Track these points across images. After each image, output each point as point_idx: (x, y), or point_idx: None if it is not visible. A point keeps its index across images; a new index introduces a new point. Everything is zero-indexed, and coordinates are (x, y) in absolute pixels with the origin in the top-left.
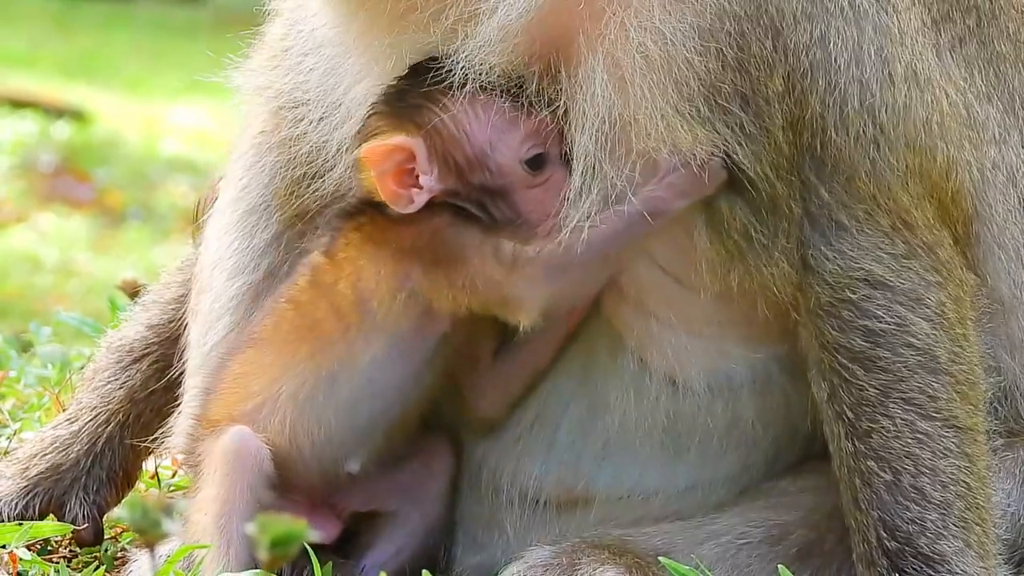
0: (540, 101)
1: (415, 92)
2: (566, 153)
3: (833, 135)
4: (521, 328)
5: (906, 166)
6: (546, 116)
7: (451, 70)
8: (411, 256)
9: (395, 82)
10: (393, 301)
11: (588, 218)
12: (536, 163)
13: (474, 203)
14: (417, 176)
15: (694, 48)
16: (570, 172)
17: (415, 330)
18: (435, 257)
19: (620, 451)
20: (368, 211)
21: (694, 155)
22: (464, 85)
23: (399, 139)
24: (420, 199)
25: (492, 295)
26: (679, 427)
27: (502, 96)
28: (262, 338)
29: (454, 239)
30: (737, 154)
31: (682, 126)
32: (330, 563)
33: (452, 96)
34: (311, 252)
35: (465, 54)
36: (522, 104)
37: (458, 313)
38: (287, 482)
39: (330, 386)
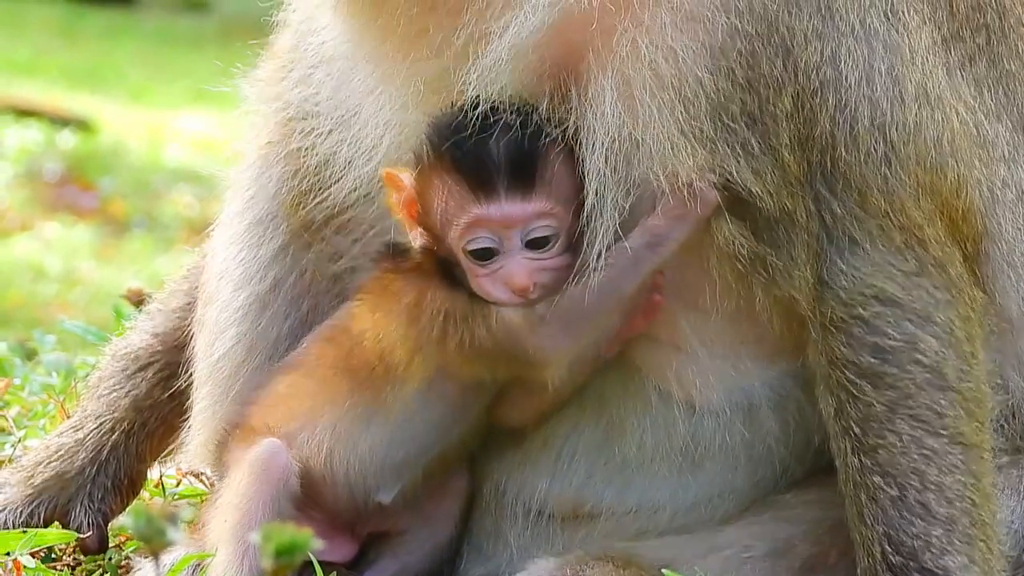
0: (551, 121)
1: (436, 132)
2: (548, 239)
3: (843, 153)
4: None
5: (917, 183)
6: (515, 207)
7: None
8: (419, 323)
9: (445, 114)
10: (412, 361)
11: (602, 237)
12: (480, 254)
13: (452, 264)
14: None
15: (705, 67)
16: (564, 253)
17: (441, 381)
18: (442, 326)
19: (634, 471)
20: (385, 263)
21: (691, 181)
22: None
23: (405, 176)
24: (417, 241)
25: (510, 357)
26: (697, 447)
27: (477, 172)
28: (308, 364)
29: (449, 300)
30: (736, 174)
31: (686, 149)
32: (334, 573)
33: (437, 157)
34: (356, 290)
35: (476, 75)
36: (490, 186)
37: (482, 378)
38: (313, 502)
39: (366, 425)
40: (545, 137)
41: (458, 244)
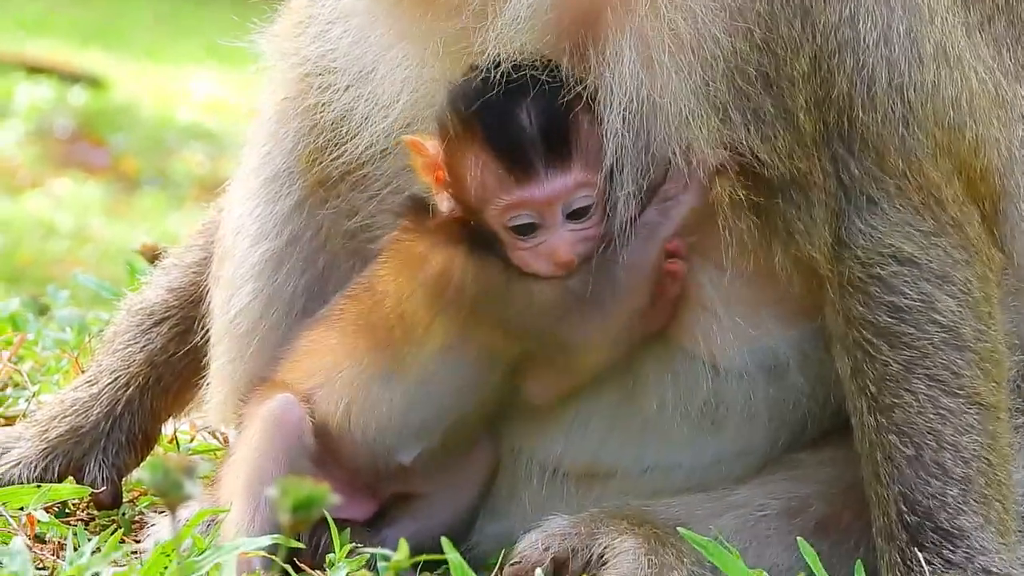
0: (570, 80)
1: (462, 99)
2: (589, 209)
3: (861, 114)
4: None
5: (935, 143)
6: (557, 183)
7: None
8: (444, 292)
9: (470, 77)
10: (432, 323)
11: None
12: (522, 230)
13: (486, 232)
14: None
15: (723, 28)
16: (600, 220)
17: (461, 346)
18: (472, 297)
19: (653, 432)
20: (407, 220)
21: (701, 150)
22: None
23: (430, 143)
24: (445, 205)
25: (545, 337)
26: (719, 408)
27: (514, 151)
28: (330, 320)
29: (479, 271)
30: (746, 142)
31: (700, 115)
32: (348, 529)
33: (466, 129)
34: (380, 250)
35: (494, 33)
36: (530, 165)
37: (512, 349)
38: (332, 459)
39: (385, 384)
40: (570, 96)
41: (498, 220)
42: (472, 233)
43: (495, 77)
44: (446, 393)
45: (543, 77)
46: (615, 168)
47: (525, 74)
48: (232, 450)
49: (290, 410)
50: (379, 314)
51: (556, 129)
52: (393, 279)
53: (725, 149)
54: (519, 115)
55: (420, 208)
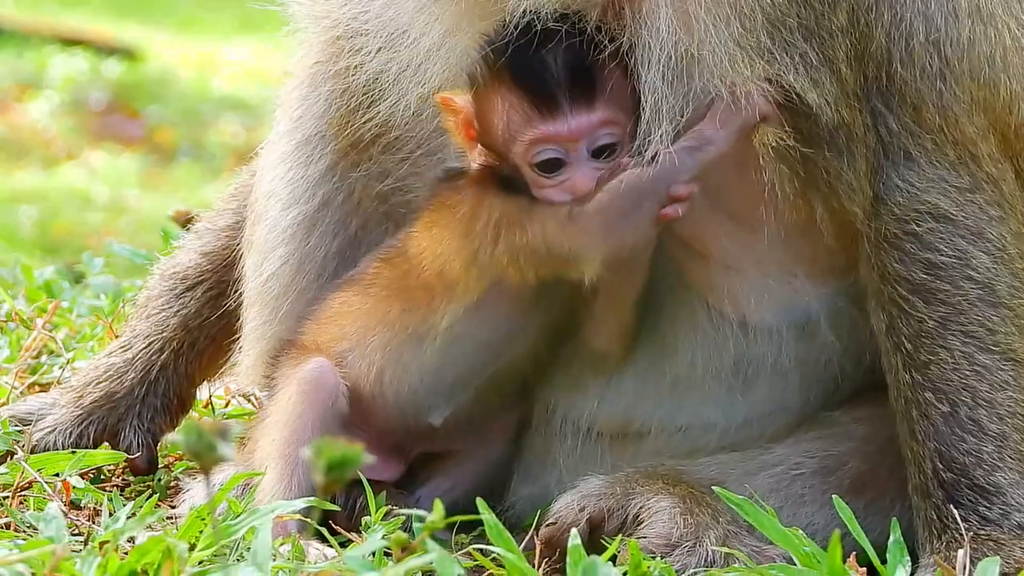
0: (603, 37)
1: (491, 50)
2: (614, 147)
3: (899, 68)
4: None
5: (971, 98)
6: (582, 118)
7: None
8: (473, 231)
9: (498, 32)
10: (467, 274)
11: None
12: (547, 166)
13: (514, 176)
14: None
15: None
16: (626, 160)
17: (495, 300)
18: (495, 230)
19: (684, 391)
20: (442, 182)
21: (748, 90)
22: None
23: (460, 98)
24: (476, 160)
25: (551, 256)
26: (750, 365)
27: (539, 88)
28: (363, 283)
29: (504, 207)
30: (795, 84)
31: (744, 60)
32: (384, 492)
33: (494, 75)
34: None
35: None
36: (554, 101)
37: (528, 281)
38: (362, 421)
39: (417, 345)
40: (601, 47)
41: (524, 158)
42: (501, 178)
43: (526, 29)
44: (478, 350)
45: (575, 30)
46: (653, 118)
47: (557, 27)
48: (265, 413)
49: (327, 375)
50: (415, 274)
51: (582, 68)
52: (427, 234)
53: (774, 90)
54: (546, 57)
55: (454, 175)
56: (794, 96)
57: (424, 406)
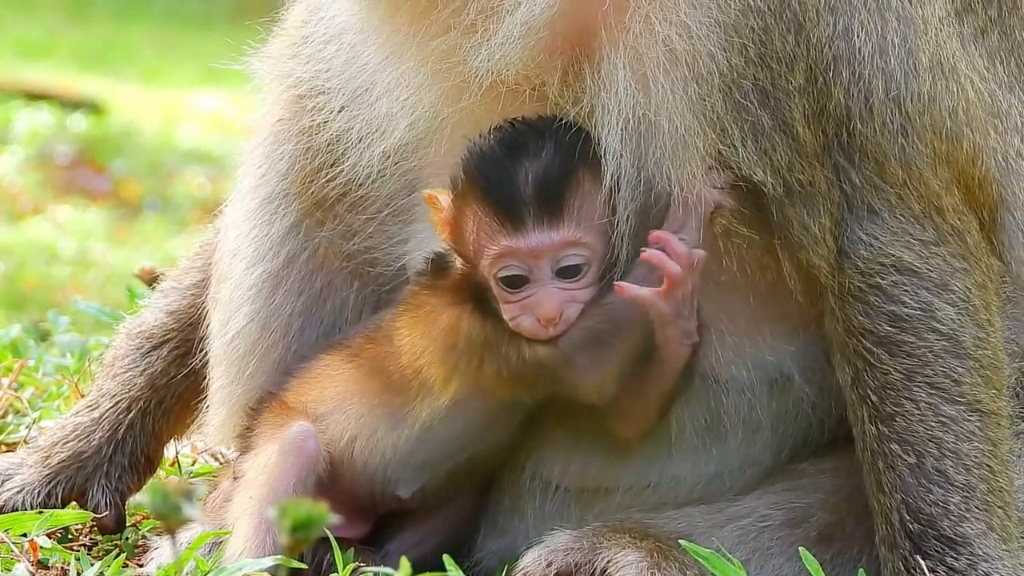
0: (565, 99)
1: (470, 157)
2: (580, 268)
3: (859, 125)
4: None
5: (934, 152)
6: (544, 236)
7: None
8: (454, 346)
9: (479, 138)
10: (449, 379)
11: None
12: (510, 282)
13: (487, 292)
14: None
15: (718, 43)
16: (594, 284)
17: (474, 399)
18: (479, 352)
19: (655, 448)
20: (426, 277)
21: (696, 180)
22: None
23: (443, 197)
24: (458, 262)
25: (539, 380)
26: (722, 423)
27: (505, 202)
28: (348, 351)
29: (482, 328)
30: (743, 158)
31: (697, 131)
32: (352, 549)
33: (469, 183)
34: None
35: (487, 52)
36: (518, 216)
37: (523, 399)
38: (332, 482)
39: (392, 425)
40: (577, 159)
41: (489, 271)
42: (476, 290)
43: (506, 136)
44: (454, 439)
45: (552, 140)
46: (613, 188)
47: (539, 129)
48: (242, 469)
49: (309, 440)
50: (395, 365)
51: (551, 185)
52: (408, 334)
53: (722, 168)
54: (517, 170)
55: (440, 267)
56: (742, 170)
57: (393, 479)
